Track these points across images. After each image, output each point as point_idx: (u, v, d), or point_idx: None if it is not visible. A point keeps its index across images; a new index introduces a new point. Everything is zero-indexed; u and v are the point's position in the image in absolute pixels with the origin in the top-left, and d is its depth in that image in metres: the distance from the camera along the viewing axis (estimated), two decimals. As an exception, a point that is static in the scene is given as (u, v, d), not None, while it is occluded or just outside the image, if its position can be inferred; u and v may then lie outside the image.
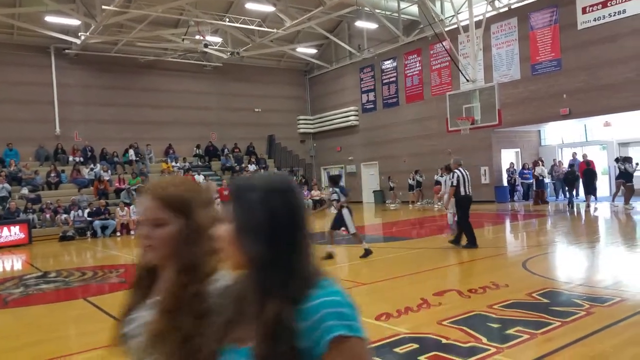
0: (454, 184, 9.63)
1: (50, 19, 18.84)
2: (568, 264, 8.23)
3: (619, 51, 16.57)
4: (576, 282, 6.47)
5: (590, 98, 17.36)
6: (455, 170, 9.75)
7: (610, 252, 8.93)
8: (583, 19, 17.37)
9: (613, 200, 16.44)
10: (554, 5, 18.13)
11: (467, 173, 9.83)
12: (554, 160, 20.20)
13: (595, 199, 17.60)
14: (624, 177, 15.82)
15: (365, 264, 9.01)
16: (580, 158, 18.80)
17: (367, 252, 9.31)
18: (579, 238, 10.78)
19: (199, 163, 24.52)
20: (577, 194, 18.57)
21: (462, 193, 9.63)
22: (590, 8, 17.12)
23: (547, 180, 20.00)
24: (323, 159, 29.13)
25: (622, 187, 15.88)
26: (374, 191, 25.74)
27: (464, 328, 4.71)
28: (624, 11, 16.29)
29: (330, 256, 9.23)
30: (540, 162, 19.69)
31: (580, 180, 17.59)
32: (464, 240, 9.60)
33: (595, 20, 17.07)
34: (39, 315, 6.85)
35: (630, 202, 15.47)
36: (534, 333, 4.44)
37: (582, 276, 7.07)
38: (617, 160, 16.55)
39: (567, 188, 17.72)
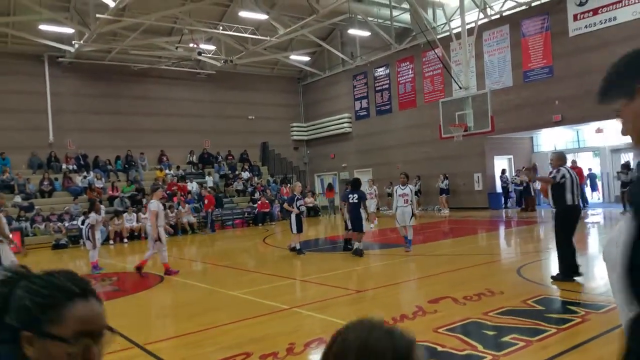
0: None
1: (44, 27, 18.81)
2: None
3: (609, 58, 16.26)
4: (571, 289, 6.50)
5: (582, 104, 17.47)
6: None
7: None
8: (574, 27, 17.54)
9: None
10: (545, 13, 18.31)
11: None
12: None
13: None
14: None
15: (361, 271, 9.00)
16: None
17: (295, 250, 11.27)
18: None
19: (193, 170, 24.47)
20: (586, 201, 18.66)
21: None
22: (582, 15, 17.30)
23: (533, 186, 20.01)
24: (317, 166, 29.14)
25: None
26: (368, 198, 25.73)
27: (460, 335, 4.72)
28: (615, 18, 16.47)
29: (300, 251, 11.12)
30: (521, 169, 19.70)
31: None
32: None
33: (586, 27, 17.24)
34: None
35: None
36: (530, 340, 4.45)
37: (576, 282, 7.10)
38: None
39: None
